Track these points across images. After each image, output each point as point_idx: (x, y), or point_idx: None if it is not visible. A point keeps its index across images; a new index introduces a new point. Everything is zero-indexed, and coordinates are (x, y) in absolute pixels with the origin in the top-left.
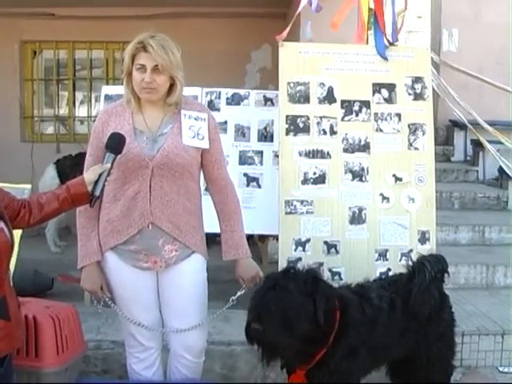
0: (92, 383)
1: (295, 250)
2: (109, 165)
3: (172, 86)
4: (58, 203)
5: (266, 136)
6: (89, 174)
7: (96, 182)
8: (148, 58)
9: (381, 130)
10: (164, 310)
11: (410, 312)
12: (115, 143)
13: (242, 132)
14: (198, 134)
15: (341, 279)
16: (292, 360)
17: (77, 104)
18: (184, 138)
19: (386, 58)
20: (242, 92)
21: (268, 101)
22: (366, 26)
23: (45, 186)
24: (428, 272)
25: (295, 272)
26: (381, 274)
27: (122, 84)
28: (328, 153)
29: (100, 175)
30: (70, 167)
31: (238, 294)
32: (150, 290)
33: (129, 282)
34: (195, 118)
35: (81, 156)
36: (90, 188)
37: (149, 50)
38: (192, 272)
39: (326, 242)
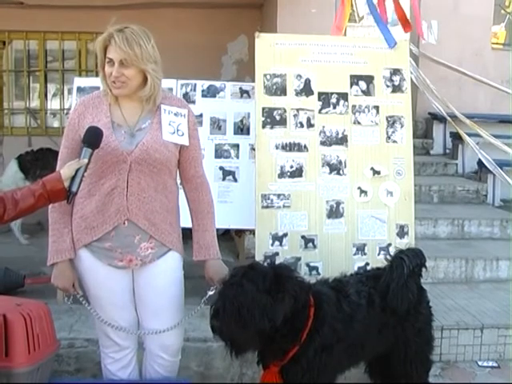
0: (65, 383)
1: (272, 245)
2: (86, 160)
3: (146, 80)
4: (33, 199)
5: (242, 129)
6: (65, 170)
7: (73, 178)
8: (114, 51)
9: (358, 123)
10: (140, 309)
11: (389, 307)
12: (92, 138)
13: (217, 125)
14: (177, 130)
15: (318, 274)
16: (264, 356)
17: (49, 96)
18: (164, 134)
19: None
20: (217, 84)
21: (244, 93)
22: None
23: (8, 180)
24: (406, 266)
25: (257, 268)
26: (359, 268)
27: (96, 76)
28: (305, 146)
29: (77, 171)
30: (31, 162)
31: (209, 294)
32: (126, 289)
33: (103, 281)
34: (175, 114)
35: (41, 151)
36: (66, 184)
37: (112, 44)
38: (168, 271)
39: (303, 237)
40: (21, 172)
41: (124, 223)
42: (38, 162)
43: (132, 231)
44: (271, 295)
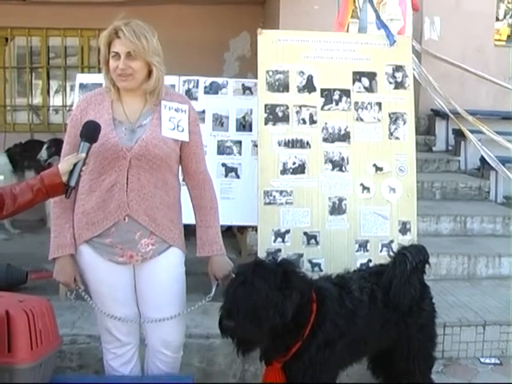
0: (67, 382)
1: (274, 241)
2: (84, 154)
3: (150, 73)
4: (32, 194)
5: (244, 125)
6: (63, 164)
7: (71, 172)
8: (121, 44)
9: (361, 119)
10: (141, 304)
11: (391, 303)
12: (90, 132)
13: (220, 121)
14: (178, 126)
15: (321, 270)
16: (267, 352)
17: (51, 93)
18: (163, 130)
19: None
20: (220, 81)
21: (247, 89)
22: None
23: None
24: (409, 262)
25: (265, 265)
26: (361, 265)
27: (98, 72)
28: (307, 142)
29: (75, 165)
30: (19, 154)
31: (214, 290)
32: (127, 284)
33: (104, 277)
34: (176, 110)
35: (30, 144)
36: (64, 178)
37: (120, 36)
38: (169, 267)
39: (305, 233)
40: (10, 164)
41: (124, 219)
42: (26, 154)
43: (132, 227)
44: (281, 292)
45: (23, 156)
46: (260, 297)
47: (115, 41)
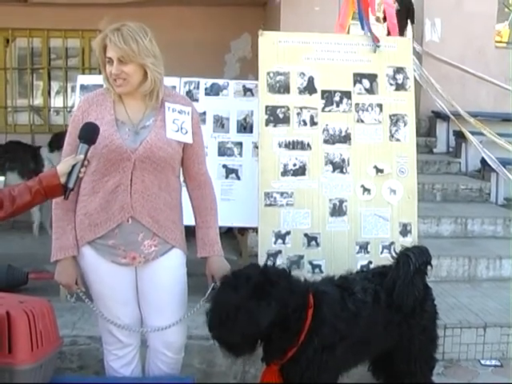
0: (67, 383)
1: (275, 243)
2: (82, 156)
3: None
4: (30, 196)
5: (245, 127)
6: (61, 166)
7: (69, 174)
8: (111, 50)
9: (362, 121)
10: (143, 306)
11: (394, 304)
12: (88, 133)
13: (220, 123)
14: (181, 128)
15: (321, 272)
16: (265, 354)
17: (52, 94)
18: (168, 132)
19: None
20: (220, 82)
21: (247, 91)
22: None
23: None
24: (412, 264)
25: (242, 275)
26: (362, 266)
27: (99, 74)
28: (308, 144)
29: (73, 167)
30: (0, 155)
31: (209, 291)
32: (129, 285)
33: (107, 278)
34: (179, 112)
35: (11, 144)
36: (63, 180)
37: (107, 43)
38: (172, 268)
39: (306, 235)
40: None
41: (128, 221)
42: (7, 155)
43: (135, 229)
44: (257, 301)
45: (4, 157)
46: (230, 307)
47: (108, 46)
